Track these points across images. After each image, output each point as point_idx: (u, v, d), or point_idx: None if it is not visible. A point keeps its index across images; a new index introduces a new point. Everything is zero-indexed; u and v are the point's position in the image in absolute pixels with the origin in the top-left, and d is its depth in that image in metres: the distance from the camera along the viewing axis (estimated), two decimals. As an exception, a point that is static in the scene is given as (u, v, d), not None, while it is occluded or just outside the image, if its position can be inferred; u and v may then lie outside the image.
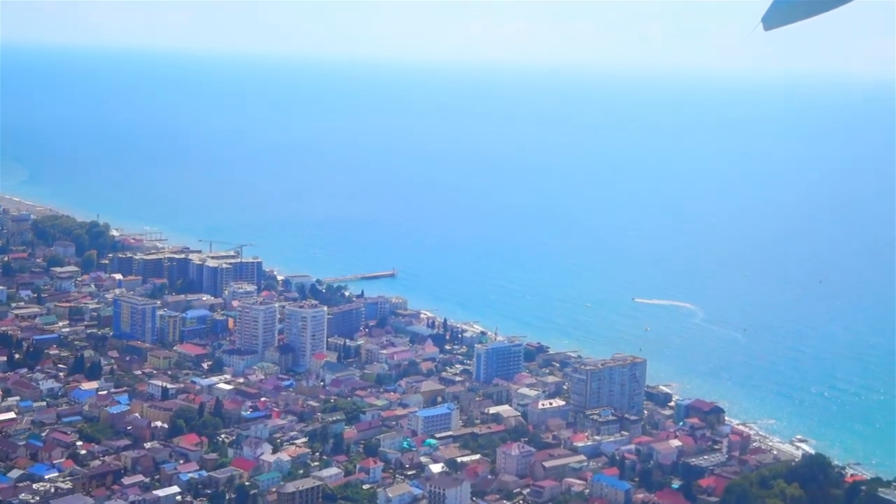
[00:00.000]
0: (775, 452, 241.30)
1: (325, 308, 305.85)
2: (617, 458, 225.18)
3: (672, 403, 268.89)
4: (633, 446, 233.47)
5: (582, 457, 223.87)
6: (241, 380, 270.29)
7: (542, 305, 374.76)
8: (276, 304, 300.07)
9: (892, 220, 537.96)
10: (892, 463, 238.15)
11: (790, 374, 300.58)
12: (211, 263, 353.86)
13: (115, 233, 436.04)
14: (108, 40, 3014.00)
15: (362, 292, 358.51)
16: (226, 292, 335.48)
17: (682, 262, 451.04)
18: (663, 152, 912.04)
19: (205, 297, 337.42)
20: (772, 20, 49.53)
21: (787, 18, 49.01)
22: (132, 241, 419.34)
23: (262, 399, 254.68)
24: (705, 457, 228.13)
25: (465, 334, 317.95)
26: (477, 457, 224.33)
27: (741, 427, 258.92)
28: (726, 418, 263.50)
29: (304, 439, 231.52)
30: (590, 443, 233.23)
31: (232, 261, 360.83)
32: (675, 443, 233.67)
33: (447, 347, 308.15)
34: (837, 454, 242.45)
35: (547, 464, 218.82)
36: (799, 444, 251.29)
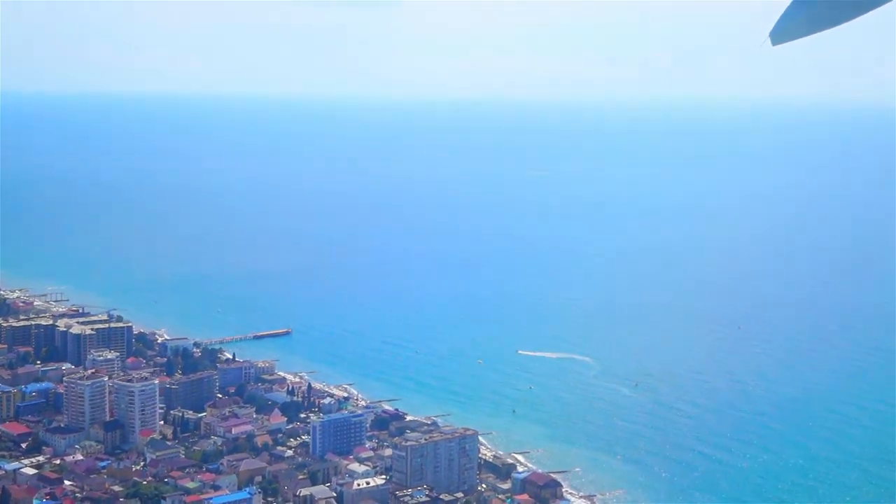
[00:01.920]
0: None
1: (169, 378, 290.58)
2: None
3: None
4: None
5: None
6: (58, 461, 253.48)
7: (433, 363, 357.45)
8: (106, 378, 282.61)
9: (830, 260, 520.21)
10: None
11: (659, 436, 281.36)
12: (75, 330, 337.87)
13: (12, 294, 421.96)
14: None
15: (234, 355, 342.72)
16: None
17: (591, 309, 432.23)
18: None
19: (65, 367, 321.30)
20: (780, 35, 48.98)
21: (795, 33, 48.66)
22: (20, 304, 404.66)
23: (67, 483, 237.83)
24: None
25: (323, 401, 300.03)
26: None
27: (583, 499, 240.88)
28: (567, 491, 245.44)
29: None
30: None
31: (99, 326, 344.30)
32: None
33: (302, 416, 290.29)
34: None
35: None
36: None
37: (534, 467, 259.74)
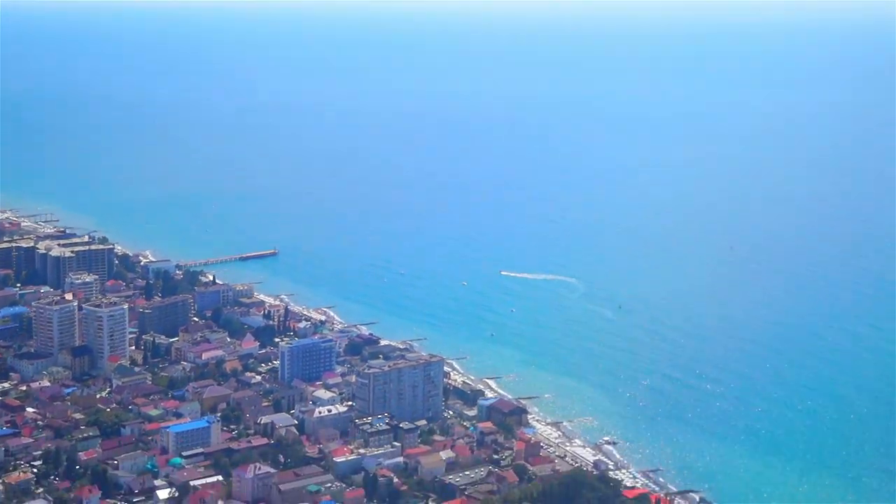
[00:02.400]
0: (568, 460, 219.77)
1: (146, 301, 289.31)
2: (371, 475, 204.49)
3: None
4: (400, 460, 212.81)
5: (328, 477, 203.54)
6: (24, 387, 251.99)
7: (416, 285, 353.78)
8: (75, 303, 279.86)
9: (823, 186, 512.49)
10: (695, 470, 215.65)
11: (635, 361, 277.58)
12: (55, 252, 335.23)
13: (1, 214, 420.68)
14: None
15: (213, 278, 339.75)
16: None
17: (580, 232, 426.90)
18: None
19: (43, 290, 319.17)
20: None
21: None
22: (7, 225, 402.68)
23: (29, 411, 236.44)
24: (466, 472, 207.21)
25: (299, 325, 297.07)
26: (214, 479, 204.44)
27: (550, 426, 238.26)
28: (534, 417, 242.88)
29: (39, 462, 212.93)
30: (353, 457, 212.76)
31: (80, 248, 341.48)
32: (446, 455, 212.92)
33: (276, 341, 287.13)
34: (641, 459, 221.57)
35: (284, 487, 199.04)
36: (606, 446, 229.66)
37: (503, 393, 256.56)
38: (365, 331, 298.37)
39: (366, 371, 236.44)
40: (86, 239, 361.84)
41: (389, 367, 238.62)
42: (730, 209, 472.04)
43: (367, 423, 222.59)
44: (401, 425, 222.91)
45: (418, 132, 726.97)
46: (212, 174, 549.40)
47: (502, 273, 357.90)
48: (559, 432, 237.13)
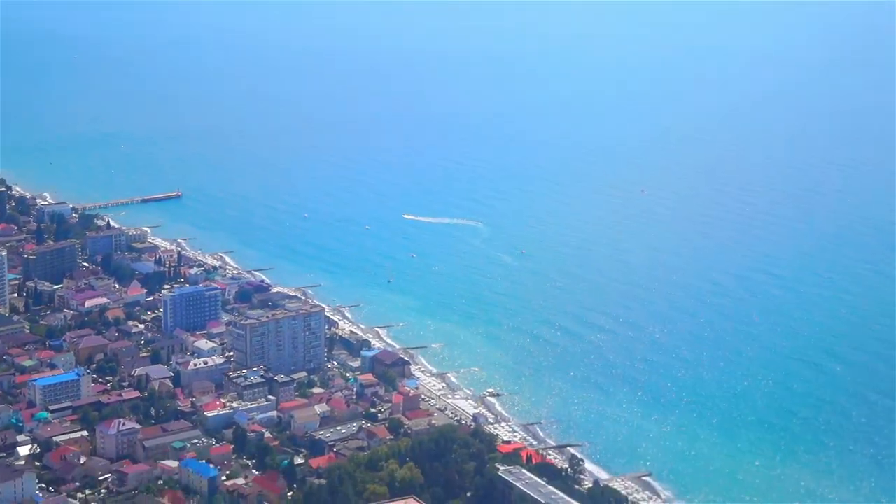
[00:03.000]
0: (447, 413, 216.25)
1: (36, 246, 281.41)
2: (241, 430, 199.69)
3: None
4: (274, 414, 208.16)
5: (196, 432, 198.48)
6: None
7: (318, 230, 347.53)
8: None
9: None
10: (576, 424, 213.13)
11: (528, 310, 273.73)
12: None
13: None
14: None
15: (108, 222, 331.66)
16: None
17: (489, 175, 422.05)
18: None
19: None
20: None
21: None
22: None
23: None
24: (339, 428, 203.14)
25: (191, 271, 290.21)
26: (78, 435, 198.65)
27: (434, 378, 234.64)
28: (420, 368, 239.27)
29: None
30: (225, 411, 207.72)
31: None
32: (321, 409, 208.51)
33: (166, 288, 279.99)
34: (523, 412, 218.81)
35: (149, 443, 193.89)
36: (489, 398, 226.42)
37: (392, 343, 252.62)
38: (257, 278, 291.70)
39: (242, 322, 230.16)
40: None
41: (268, 317, 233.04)
42: (647, 151, 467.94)
43: (241, 375, 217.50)
44: (276, 378, 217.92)
45: (334, 73, 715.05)
46: (130, 113, 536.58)
47: (405, 217, 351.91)
48: (443, 384, 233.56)
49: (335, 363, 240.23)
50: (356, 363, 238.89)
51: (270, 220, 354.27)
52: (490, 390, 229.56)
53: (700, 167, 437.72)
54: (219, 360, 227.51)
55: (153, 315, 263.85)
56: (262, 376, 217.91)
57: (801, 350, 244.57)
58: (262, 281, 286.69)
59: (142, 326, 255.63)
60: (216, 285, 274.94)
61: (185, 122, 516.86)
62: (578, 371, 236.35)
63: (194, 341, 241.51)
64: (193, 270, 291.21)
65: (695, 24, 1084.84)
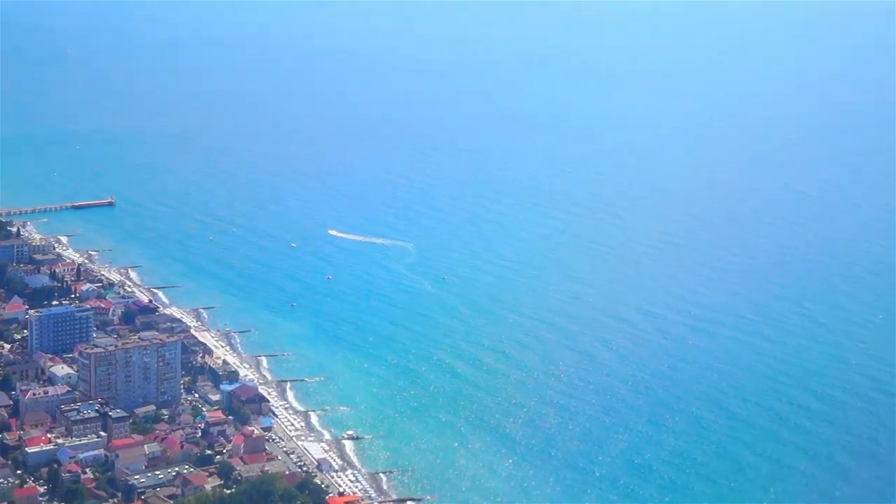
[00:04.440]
0: (293, 458, 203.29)
1: None
2: (55, 470, 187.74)
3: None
4: (100, 452, 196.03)
5: (5, 471, 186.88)
6: None
7: (241, 245, 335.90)
8: None
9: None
10: (431, 475, 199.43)
11: (421, 347, 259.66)
12: None
13: None
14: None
15: (17, 230, 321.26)
16: None
17: (428, 193, 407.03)
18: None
19: None
20: None
21: None
22: None
23: None
24: (168, 470, 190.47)
25: (82, 287, 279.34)
26: None
27: (297, 415, 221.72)
28: (284, 404, 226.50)
29: None
30: (49, 447, 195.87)
31: None
32: (150, 448, 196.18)
33: (55, 304, 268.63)
34: (379, 458, 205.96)
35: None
36: (347, 441, 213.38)
37: (266, 375, 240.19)
38: (156, 296, 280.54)
39: (88, 351, 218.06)
40: None
41: (116, 346, 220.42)
42: (609, 169, 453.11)
43: (73, 409, 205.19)
44: (110, 413, 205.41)
45: (294, 77, 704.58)
46: (101, 112, 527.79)
47: (331, 233, 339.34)
48: (303, 423, 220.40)
49: (196, 395, 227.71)
50: (217, 396, 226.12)
51: (197, 232, 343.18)
52: (349, 432, 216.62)
53: (657, 189, 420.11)
54: (60, 391, 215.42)
55: (24, 335, 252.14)
56: (96, 410, 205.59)
57: (695, 404, 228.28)
58: (150, 301, 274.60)
59: (8, 347, 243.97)
60: (103, 304, 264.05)
61: (150, 124, 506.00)
62: (447, 415, 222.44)
63: (51, 366, 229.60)
64: (86, 286, 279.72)
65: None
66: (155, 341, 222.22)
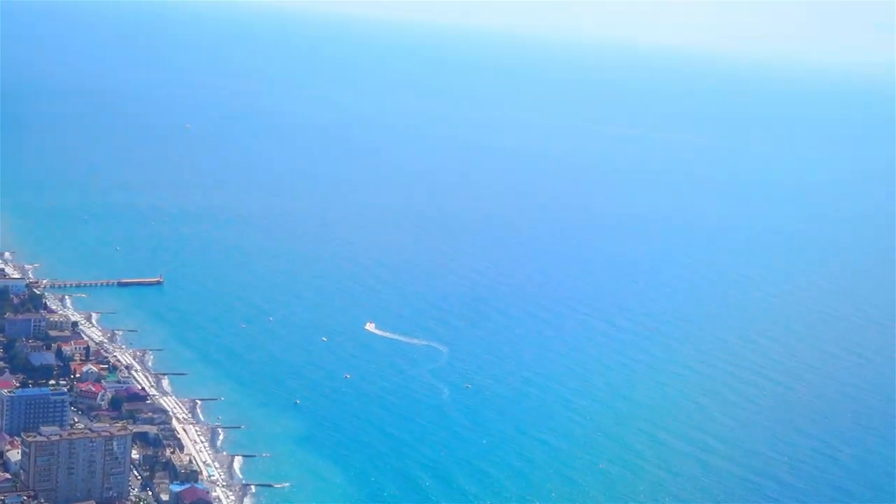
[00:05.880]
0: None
1: None
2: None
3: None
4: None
5: None
6: None
7: (272, 335, 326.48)
8: None
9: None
10: None
11: (402, 457, 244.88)
12: None
13: None
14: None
15: (45, 304, 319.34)
16: None
17: (478, 295, 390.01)
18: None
19: None
20: None
21: None
22: None
23: None
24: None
25: (83, 368, 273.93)
26: None
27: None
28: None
29: None
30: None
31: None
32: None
33: (51, 384, 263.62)
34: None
35: None
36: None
37: (239, 475, 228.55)
38: (146, 384, 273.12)
39: (29, 439, 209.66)
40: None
41: (61, 436, 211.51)
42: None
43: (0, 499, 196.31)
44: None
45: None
46: (177, 188, 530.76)
47: (367, 328, 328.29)
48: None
49: (150, 493, 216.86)
50: (166, 496, 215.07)
51: (233, 319, 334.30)
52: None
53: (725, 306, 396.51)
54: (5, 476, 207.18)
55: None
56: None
57: None
58: (141, 388, 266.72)
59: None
60: (94, 388, 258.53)
61: (214, 201, 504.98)
62: None
63: (9, 450, 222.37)
64: (86, 368, 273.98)
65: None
66: (104, 434, 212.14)
